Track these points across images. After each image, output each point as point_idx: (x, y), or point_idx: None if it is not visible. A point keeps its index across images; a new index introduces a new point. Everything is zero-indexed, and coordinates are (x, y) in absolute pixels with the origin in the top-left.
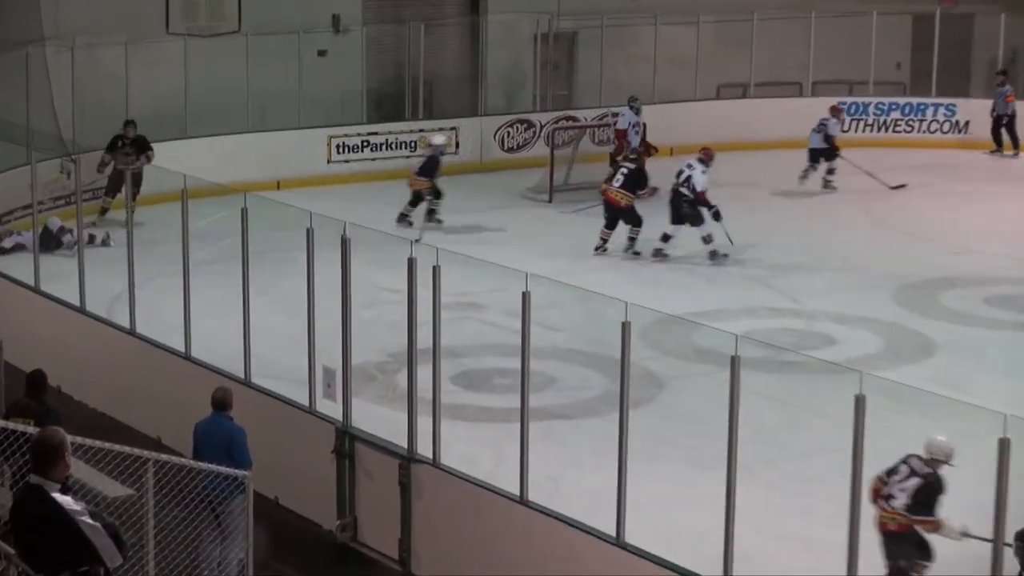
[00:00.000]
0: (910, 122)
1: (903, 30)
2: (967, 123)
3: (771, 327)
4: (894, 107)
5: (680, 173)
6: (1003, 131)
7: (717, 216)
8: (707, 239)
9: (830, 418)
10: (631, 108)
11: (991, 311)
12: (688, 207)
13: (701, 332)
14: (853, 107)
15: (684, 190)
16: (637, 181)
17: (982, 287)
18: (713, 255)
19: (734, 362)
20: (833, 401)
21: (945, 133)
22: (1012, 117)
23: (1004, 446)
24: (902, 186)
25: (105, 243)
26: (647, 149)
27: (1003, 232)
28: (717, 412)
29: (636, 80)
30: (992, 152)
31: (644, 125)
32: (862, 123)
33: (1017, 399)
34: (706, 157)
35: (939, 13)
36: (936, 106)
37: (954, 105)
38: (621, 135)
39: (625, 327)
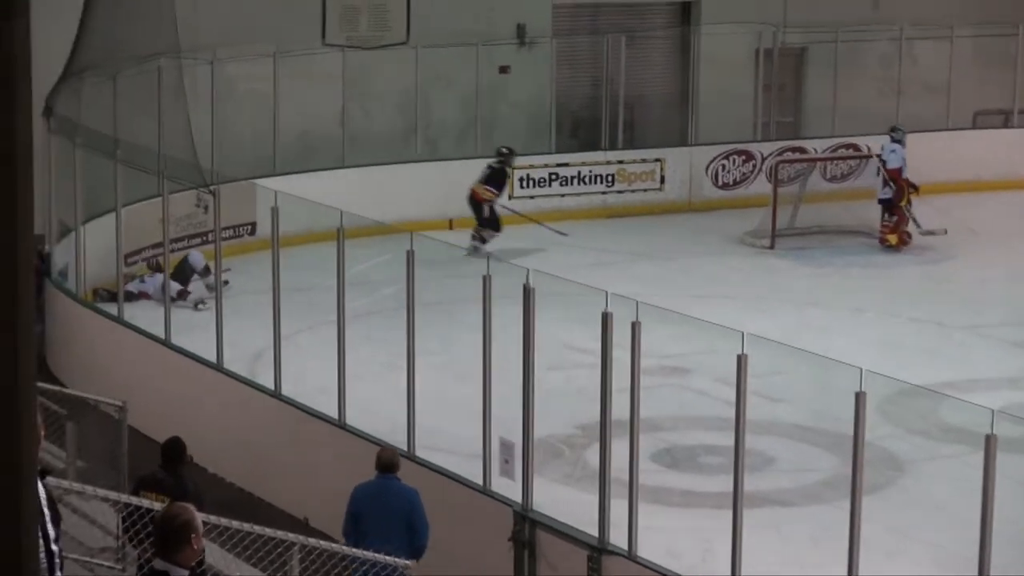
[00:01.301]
0: None
1: None
2: None
3: None
4: None
5: None
6: None
7: None
8: None
9: None
10: (896, 140)
11: None
12: None
13: (950, 406)
14: None
15: None
16: None
17: None
18: None
19: (989, 442)
20: None
21: None
22: None
23: None
24: None
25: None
26: (909, 189)
27: None
28: (968, 502)
29: (876, 105)
30: None
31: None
32: None
33: None
34: None
35: None
36: None
37: None
38: (897, 176)
39: (859, 398)
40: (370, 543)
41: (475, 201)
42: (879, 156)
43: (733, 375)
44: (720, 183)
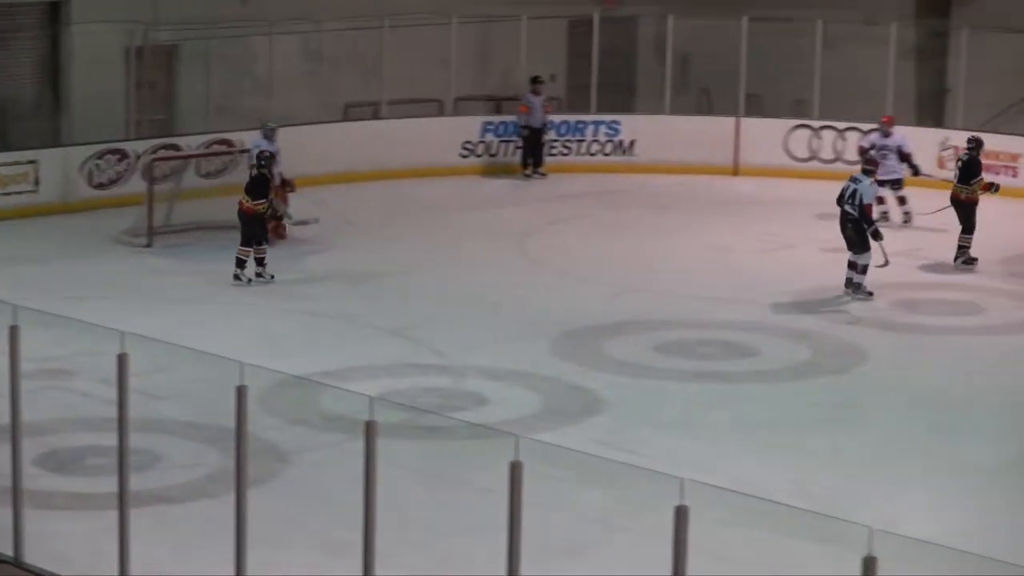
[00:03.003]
0: (567, 143)
1: (558, 37)
2: (632, 143)
3: (412, 386)
4: (549, 125)
5: (845, 190)
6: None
7: (876, 235)
8: (863, 269)
9: (484, 490)
10: (265, 136)
11: (662, 359)
12: (853, 229)
13: (330, 395)
14: (501, 127)
15: (849, 208)
16: (973, 171)
17: (651, 332)
18: (856, 288)
19: (369, 429)
20: (486, 470)
21: (608, 155)
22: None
23: (681, 514)
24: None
25: None
26: (283, 185)
27: (672, 268)
28: (351, 488)
29: (250, 100)
30: (529, 175)
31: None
32: (511, 146)
33: (695, 460)
34: (871, 165)
35: (598, 16)
36: (597, 124)
37: (618, 122)
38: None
39: (240, 392)
40: None
41: None
42: (250, 151)
43: (115, 375)
44: (95, 183)
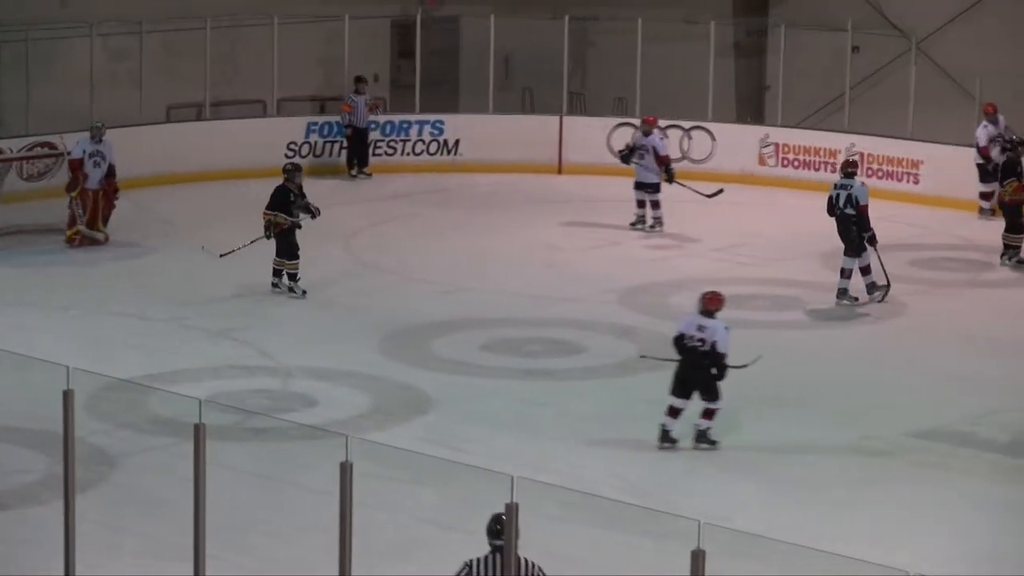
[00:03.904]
0: (392, 143)
1: (381, 36)
2: (457, 142)
3: (240, 388)
4: (373, 125)
5: (835, 198)
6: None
7: (872, 241)
8: (849, 274)
9: (314, 491)
10: (92, 137)
11: (490, 357)
12: (857, 232)
13: (158, 398)
14: (325, 127)
15: (850, 210)
16: (1008, 171)
17: (479, 331)
18: (872, 288)
19: (198, 431)
20: (317, 471)
21: (432, 154)
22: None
23: (511, 511)
24: (719, 192)
25: None
26: (112, 190)
27: (499, 267)
28: (180, 491)
29: (72, 102)
30: (355, 175)
31: (109, 161)
32: (337, 146)
33: (524, 457)
34: (853, 167)
35: (420, 15)
36: (421, 123)
37: (442, 122)
38: (76, 166)
39: (67, 396)
40: None
41: None
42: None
43: None
44: None
